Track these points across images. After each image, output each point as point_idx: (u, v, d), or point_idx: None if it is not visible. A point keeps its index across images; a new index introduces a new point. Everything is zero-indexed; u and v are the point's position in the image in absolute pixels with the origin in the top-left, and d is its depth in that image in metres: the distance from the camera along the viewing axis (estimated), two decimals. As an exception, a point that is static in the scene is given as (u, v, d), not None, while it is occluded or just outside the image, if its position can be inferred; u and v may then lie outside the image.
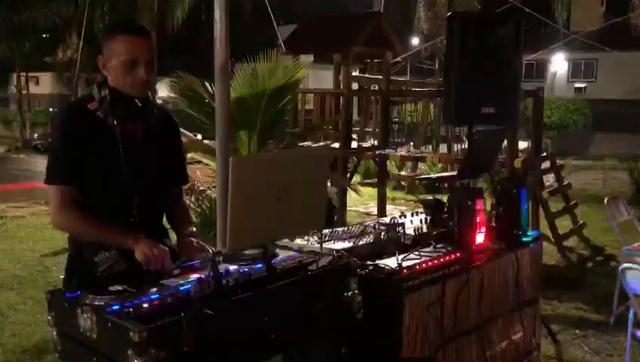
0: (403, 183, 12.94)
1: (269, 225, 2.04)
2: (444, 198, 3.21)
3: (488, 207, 3.21)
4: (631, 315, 3.94)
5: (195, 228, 2.71)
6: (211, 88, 6.50)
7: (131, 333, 1.68)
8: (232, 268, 2.15)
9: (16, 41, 25.15)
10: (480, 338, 3.00)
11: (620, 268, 3.87)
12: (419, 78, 17.38)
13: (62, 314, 1.98)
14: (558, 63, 29.47)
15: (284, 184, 2.00)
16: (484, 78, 3.99)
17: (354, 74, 9.90)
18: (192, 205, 6.42)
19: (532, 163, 7.09)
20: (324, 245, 2.65)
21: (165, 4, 19.36)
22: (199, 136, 7.60)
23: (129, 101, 2.36)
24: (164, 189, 2.60)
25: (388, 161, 9.26)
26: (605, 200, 5.16)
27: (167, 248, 2.31)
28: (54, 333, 2.03)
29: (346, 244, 2.79)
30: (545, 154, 8.21)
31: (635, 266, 3.84)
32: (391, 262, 2.57)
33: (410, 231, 3.03)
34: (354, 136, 9.15)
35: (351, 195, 8.62)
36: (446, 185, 10.86)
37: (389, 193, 10.49)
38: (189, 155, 6.20)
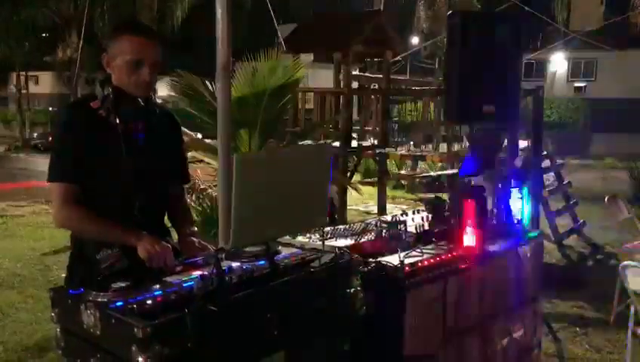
0: (403, 182, 12.96)
1: (272, 222, 2.05)
2: (445, 197, 3.22)
3: (490, 205, 3.21)
4: (632, 313, 3.94)
5: (196, 228, 2.71)
6: (212, 87, 6.51)
7: (135, 329, 1.69)
8: (235, 265, 2.15)
9: (15, 40, 25.14)
10: (481, 336, 3.01)
11: (620, 265, 3.88)
12: (418, 77, 17.36)
13: (65, 310, 1.98)
14: (558, 63, 29.48)
15: (287, 181, 2.01)
16: (485, 76, 3.99)
17: (354, 73, 9.91)
18: (192, 204, 6.43)
19: (532, 162, 7.10)
20: (326, 242, 2.66)
21: (165, 4, 19.39)
22: (199, 135, 7.60)
23: (132, 100, 2.36)
24: (165, 188, 2.61)
25: (387, 160, 9.27)
26: (606, 198, 5.18)
27: (169, 245, 2.32)
28: (57, 330, 2.03)
29: (348, 242, 2.79)
30: (545, 153, 8.23)
31: (636, 264, 3.85)
32: (393, 259, 2.57)
33: (411, 228, 3.04)
34: (354, 135, 9.17)
35: (352, 194, 8.63)
36: (445, 183, 10.89)
37: (389, 192, 10.50)
38: (190, 154, 6.20)
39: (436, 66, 20.27)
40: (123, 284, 1.97)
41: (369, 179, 11.39)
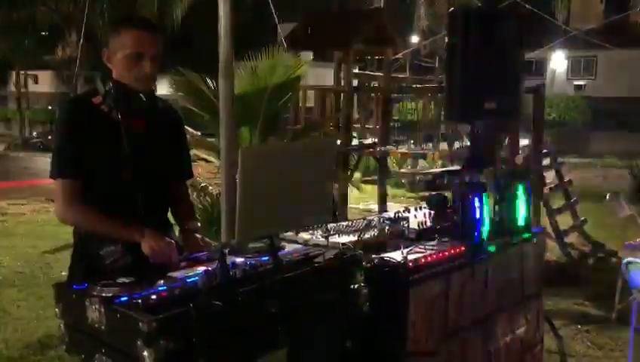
0: (403, 180, 12.95)
1: (277, 216, 2.05)
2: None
3: (491, 202, 3.21)
4: (634, 310, 3.95)
5: (199, 224, 2.71)
6: (212, 84, 6.52)
7: (141, 324, 1.69)
8: (239, 260, 2.15)
9: (15, 39, 25.12)
10: (484, 333, 3.01)
11: (623, 262, 3.88)
12: (418, 75, 17.36)
13: (69, 305, 1.98)
14: (558, 61, 29.50)
15: (292, 175, 2.01)
16: (486, 74, 3.98)
17: (354, 71, 9.89)
18: (193, 202, 6.42)
19: (533, 159, 7.10)
20: (329, 239, 2.66)
21: (165, 2, 19.36)
22: (198, 133, 7.59)
23: (134, 95, 2.36)
24: (168, 184, 2.60)
25: (388, 159, 9.27)
26: (607, 196, 5.18)
27: (173, 241, 2.32)
28: (61, 325, 2.03)
29: (351, 238, 2.79)
30: (546, 150, 8.23)
31: (639, 261, 3.85)
32: (396, 256, 2.57)
33: (414, 225, 3.04)
34: (354, 133, 9.16)
35: (352, 191, 8.63)
36: (446, 180, 10.86)
37: (389, 190, 10.50)
38: (190, 152, 6.19)
39: (436, 65, 20.27)
40: (127, 280, 1.98)
41: (369, 178, 11.41)
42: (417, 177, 12.12)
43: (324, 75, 12.10)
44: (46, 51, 29.42)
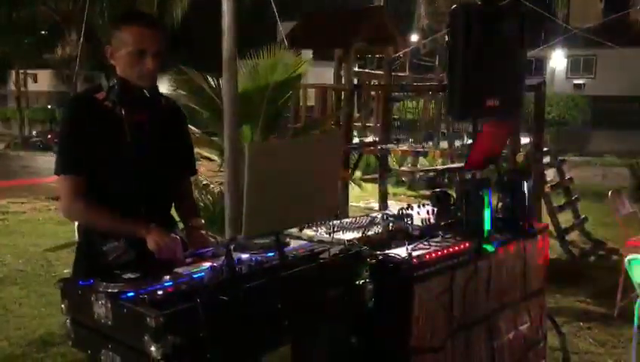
0: (404, 179, 12.96)
1: (284, 212, 2.05)
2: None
3: (495, 199, 3.22)
4: (637, 307, 3.95)
5: (203, 221, 2.72)
6: (213, 82, 6.51)
7: (148, 319, 1.69)
8: (244, 256, 2.15)
9: (14, 38, 25.11)
10: (488, 329, 3.01)
11: (627, 259, 3.89)
12: (418, 74, 17.37)
13: (75, 301, 1.99)
14: (557, 60, 29.51)
15: (298, 170, 2.01)
16: (488, 71, 3.98)
17: (355, 69, 9.90)
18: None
19: (533, 157, 7.10)
20: (333, 235, 2.67)
21: (164, 1, 19.34)
22: (199, 132, 7.59)
23: (137, 91, 2.37)
24: (172, 180, 2.61)
25: (388, 157, 9.27)
26: (609, 193, 5.18)
27: (178, 237, 2.32)
28: (67, 321, 2.03)
29: (355, 234, 2.79)
30: (546, 149, 8.23)
31: (643, 257, 3.86)
32: (401, 252, 2.57)
33: (417, 222, 3.04)
34: (354, 131, 9.16)
35: (353, 189, 8.63)
36: (446, 178, 10.90)
37: (390, 189, 10.51)
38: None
39: (436, 64, 20.24)
40: (133, 275, 1.98)
41: (369, 176, 11.41)
42: (418, 175, 12.18)
43: (323, 74, 12.09)
44: (45, 50, 29.41)
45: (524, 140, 8.63)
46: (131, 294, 1.84)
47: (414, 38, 23.83)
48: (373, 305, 2.36)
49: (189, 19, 20.26)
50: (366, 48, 10.15)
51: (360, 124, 9.74)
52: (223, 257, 2.09)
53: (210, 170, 7.02)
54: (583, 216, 8.05)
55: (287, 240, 2.38)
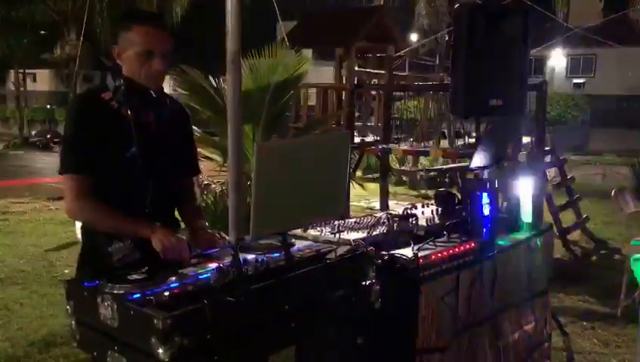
0: (405, 178, 12.96)
1: (291, 212, 2.03)
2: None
3: (499, 199, 3.21)
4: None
5: (207, 223, 2.70)
6: (215, 82, 6.51)
7: (155, 321, 1.67)
8: (250, 256, 2.14)
9: (14, 37, 25.08)
10: (493, 329, 3.00)
11: (632, 258, 3.88)
12: (418, 73, 17.37)
13: (81, 303, 1.97)
14: (557, 59, 29.51)
15: (306, 170, 2.00)
16: (492, 69, 3.97)
17: (355, 69, 9.89)
18: (196, 199, 6.40)
19: (535, 156, 7.09)
20: (337, 235, 2.66)
21: (164, 1, 19.34)
22: (200, 131, 7.57)
23: (143, 91, 2.35)
24: (176, 180, 2.59)
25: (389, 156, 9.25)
26: (613, 192, 5.17)
27: (184, 237, 2.31)
28: (73, 322, 2.02)
29: (360, 235, 2.78)
30: (548, 148, 8.22)
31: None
32: (407, 252, 2.56)
33: (422, 222, 3.03)
34: (355, 131, 9.15)
35: (355, 187, 8.61)
36: (447, 178, 10.88)
37: (391, 188, 10.50)
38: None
39: (437, 62, 20.24)
40: (138, 276, 1.96)
41: (370, 175, 11.41)
42: (419, 175, 12.18)
43: (323, 73, 12.09)
44: (44, 50, 29.39)
45: (525, 139, 8.63)
46: (137, 295, 1.82)
47: (414, 37, 23.84)
48: (379, 306, 2.35)
49: (190, 19, 20.25)
50: (367, 47, 10.13)
51: (361, 123, 9.73)
52: (229, 258, 2.09)
53: (210, 169, 7.01)
54: (585, 215, 8.04)
55: (292, 240, 2.36)
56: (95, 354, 1.95)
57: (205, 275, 1.98)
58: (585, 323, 4.80)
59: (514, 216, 3.28)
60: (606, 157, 20.13)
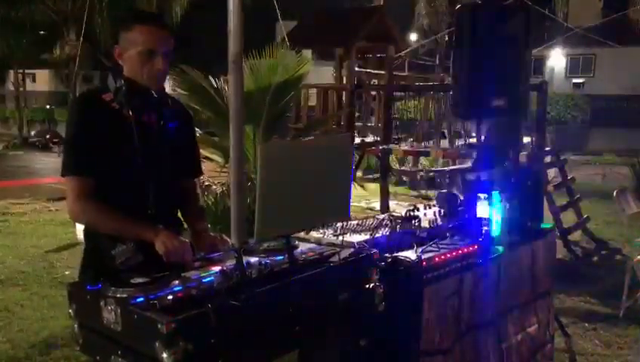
0: (404, 178, 12.95)
1: (296, 214, 2.02)
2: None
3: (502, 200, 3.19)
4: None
5: (209, 225, 2.69)
6: (216, 82, 6.49)
7: (159, 325, 1.66)
8: (253, 259, 2.13)
9: (13, 37, 25.06)
10: (496, 331, 2.99)
11: (636, 259, 3.87)
12: (417, 73, 17.36)
13: (84, 306, 1.96)
14: (556, 59, 29.49)
15: (311, 172, 1.99)
16: (495, 70, 3.96)
17: (355, 69, 9.88)
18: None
19: (536, 156, 7.09)
20: (340, 237, 2.64)
21: (164, 1, 19.33)
22: (200, 132, 7.56)
23: (145, 92, 2.34)
24: (179, 182, 2.58)
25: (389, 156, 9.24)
26: (615, 193, 5.16)
27: (187, 240, 2.29)
28: (75, 326, 2.01)
29: (362, 237, 2.77)
30: (548, 148, 8.22)
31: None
32: (410, 255, 2.55)
33: (424, 223, 3.02)
34: (355, 131, 9.14)
35: (355, 188, 8.61)
36: (447, 179, 10.87)
37: (391, 188, 10.48)
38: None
39: (436, 62, 20.23)
40: (142, 280, 1.95)
41: (370, 176, 11.39)
42: (419, 175, 12.16)
43: (322, 73, 12.07)
44: (44, 50, 29.36)
45: (526, 139, 8.62)
46: (141, 299, 1.82)
47: (413, 37, 23.84)
48: (382, 308, 2.34)
49: (189, 19, 20.23)
50: (367, 48, 10.11)
51: (361, 123, 9.72)
52: (232, 261, 2.08)
53: (211, 170, 6.99)
54: (586, 215, 8.04)
55: (296, 242, 2.35)
56: (98, 358, 1.94)
57: (209, 279, 1.97)
58: (587, 324, 4.79)
59: (517, 217, 3.27)
60: (606, 157, 20.12)
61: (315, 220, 2.26)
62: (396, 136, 9.62)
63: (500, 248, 2.97)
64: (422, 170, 11.65)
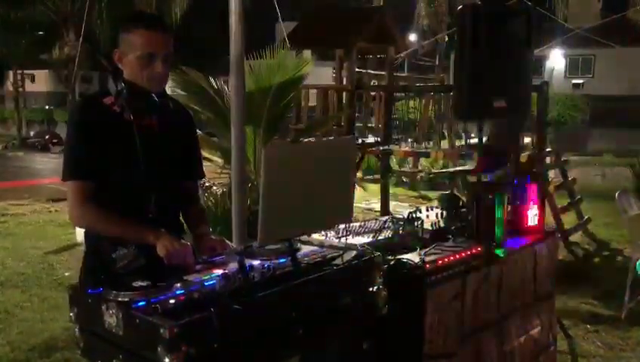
0: (404, 179, 12.95)
1: (300, 217, 2.00)
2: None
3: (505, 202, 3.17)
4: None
5: (210, 228, 2.67)
6: (215, 83, 6.49)
7: (162, 330, 1.64)
8: (255, 262, 2.11)
9: (12, 38, 25.05)
10: (499, 333, 2.98)
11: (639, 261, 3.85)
12: (417, 74, 17.37)
13: (85, 310, 1.94)
14: (556, 59, 29.51)
15: (314, 174, 1.97)
16: (496, 71, 3.95)
17: (356, 69, 9.87)
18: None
19: (536, 158, 7.07)
20: (343, 240, 2.63)
21: (163, 2, 19.32)
22: (199, 132, 7.54)
23: (146, 95, 2.32)
24: (180, 185, 2.57)
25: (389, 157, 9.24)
26: (616, 194, 5.14)
27: (188, 243, 2.28)
28: (76, 330, 1.99)
29: (365, 239, 2.76)
30: (549, 149, 8.21)
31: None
32: (413, 257, 2.53)
33: (427, 225, 3.00)
34: (355, 132, 9.13)
35: (356, 189, 8.59)
36: (447, 181, 10.86)
37: (391, 189, 10.46)
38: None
39: (436, 63, 20.24)
40: (143, 283, 1.93)
41: (370, 176, 11.37)
42: (419, 175, 12.16)
43: (321, 74, 12.05)
44: (43, 51, 29.34)
45: (525, 140, 8.62)
46: (142, 303, 1.80)
47: (413, 37, 23.85)
48: (385, 311, 2.32)
49: (189, 19, 20.23)
50: (367, 48, 10.09)
51: (361, 124, 9.70)
52: (234, 264, 2.06)
53: (212, 171, 6.98)
54: (586, 216, 8.02)
55: (298, 245, 2.33)
56: (99, 362, 1.92)
57: (211, 282, 1.95)
58: (589, 326, 4.78)
59: (519, 219, 3.26)
60: (605, 157, 20.11)
61: (318, 223, 2.24)
62: (396, 137, 9.61)
63: (504, 251, 2.96)
64: (421, 171, 11.64)
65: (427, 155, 9.06)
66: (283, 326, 1.94)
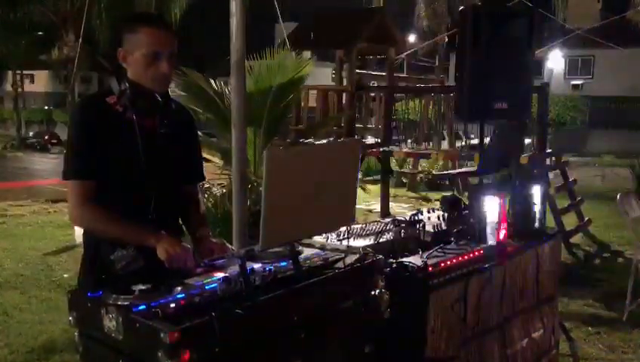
0: (404, 180, 12.93)
1: (302, 220, 1.98)
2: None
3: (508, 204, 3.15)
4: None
5: (210, 232, 2.65)
6: (215, 84, 6.46)
7: (162, 334, 1.62)
8: (257, 265, 2.09)
9: (11, 38, 25.04)
10: (501, 336, 2.96)
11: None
12: (417, 75, 17.35)
13: (84, 314, 1.92)
14: (555, 60, 29.49)
15: (317, 177, 1.95)
16: (497, 72, 3.93)
17: (356, 70, 9.85)
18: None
19: (537, 159, 7.05)
20: (344, 242, 2.61)
21: (163, 2, 19.31)
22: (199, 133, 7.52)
23: (149, 95, 2.30)
24: (181, 187, 2.54)
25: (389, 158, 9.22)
26: (618, 196, 5.12)
27: (189, 246, 2.26)
28: (76, 334, 1.97)
29: (367, 241, 2.73)
30: (550, 150, 8.19)
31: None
32: (415, 260, 2.51)
33: (429, 228, 2.98)
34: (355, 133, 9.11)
35: (358, 191, 8.57)
36: (448, 181, 10.85)
37: (391, 190, 10.45)
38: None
39: (436, 64, 20.21)
40: (143, 287, 1.91)
41: (370, 177, 11.36)
42: (418, 176, 12.14)
43: (321, 75, 12.02)
44: (42, 51, 29.34)
45: (526, 141, 8.60)
46: (143, 307, 1.77)
47: (412, 38, 23.83)
48: (388, 315, 2.30)
49: (188, 20, 20.21)
50: (367, 49, 10.08)
51: (361, 125, 9.69)
52: (235, 267, 2.03)
53: (211, 172, 6.96)
54: (587, 218, 8.01)
55: (300, 248, 2.31)
56: (99, 366, 1.89)
57: (212, 285, 1.93)
58: (590, 328, 4.75)
59: (522, 221, 3.24)
60: (605, 158, 20.10)
61: (320, 226, 2.21)
62: (396, 138, 9.59)
63: (506, 253, 2.94)
64: (422, 172, 11.63)
65: (427, 156, 9.03)
66: (284, 330, 1.92)
